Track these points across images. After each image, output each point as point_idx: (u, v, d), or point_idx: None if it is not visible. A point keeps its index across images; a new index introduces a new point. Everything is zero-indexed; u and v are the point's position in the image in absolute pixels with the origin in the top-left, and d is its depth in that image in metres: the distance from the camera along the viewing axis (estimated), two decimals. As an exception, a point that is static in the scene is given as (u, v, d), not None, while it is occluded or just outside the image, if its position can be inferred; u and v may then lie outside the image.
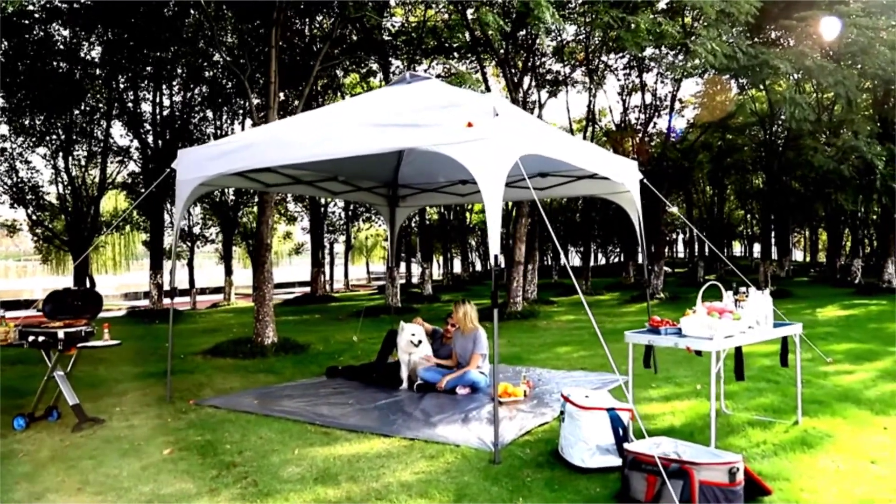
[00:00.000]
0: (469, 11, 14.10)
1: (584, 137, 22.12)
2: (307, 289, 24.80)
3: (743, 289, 4.64)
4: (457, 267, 38.94)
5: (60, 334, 4.97)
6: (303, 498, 3.66)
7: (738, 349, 4.68)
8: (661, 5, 14.27)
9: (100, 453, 4.50)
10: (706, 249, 29.98)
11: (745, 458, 3.93)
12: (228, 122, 20.54)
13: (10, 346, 5.10)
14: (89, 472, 4.12)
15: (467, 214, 33.99)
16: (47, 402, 5.43)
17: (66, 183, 17.59)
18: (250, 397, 6.24)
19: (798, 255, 50.69)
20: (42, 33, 15.66)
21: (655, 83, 22.73)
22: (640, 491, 3.41)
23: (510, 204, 21.96)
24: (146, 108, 17.98)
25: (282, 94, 16.80)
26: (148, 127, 17.73)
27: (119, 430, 5.11)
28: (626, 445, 3.67)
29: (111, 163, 18.59)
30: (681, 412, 5.31)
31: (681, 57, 15.57)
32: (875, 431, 4.70)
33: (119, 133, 38.74)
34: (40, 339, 5.00)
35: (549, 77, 20.76)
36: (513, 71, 15.26)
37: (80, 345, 5.10)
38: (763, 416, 5.17)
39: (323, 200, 22.57)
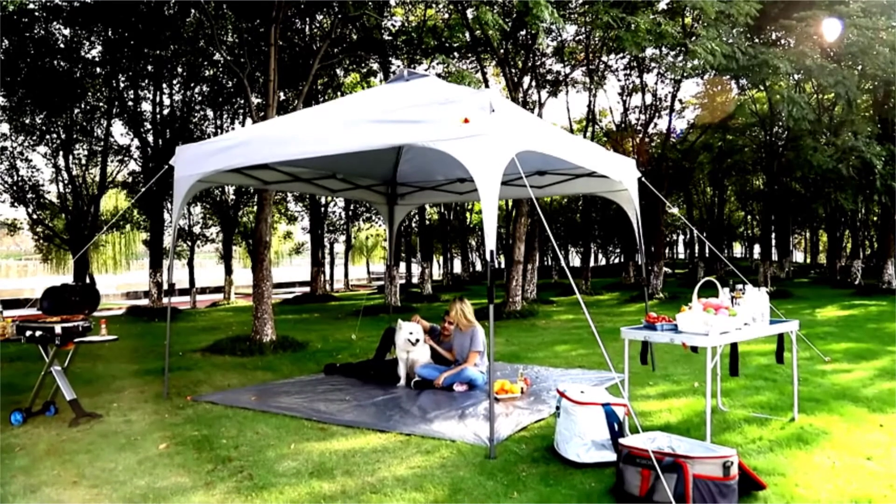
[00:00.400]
0: (469, 11, 14.11)
1: (585, 137, 22.13)
2: (307, 288, 24.81)
3: (739, 286, 4.65)
4: (457, 267, 38.96)
5: (58, 329, 4.97)
6: (298, 491, 3.66)
7: (734, 346, 4.68)
8: (661, 5, 14.27)
9: (96, 448, 4.51)
10: (706, 250, 29.99)
11: (741, 453, 3.92)
12: (228, 120, 20.60)
13: (7, 342, 5.10)
14: (85, 466, 4.13)
15: (467, 214, 34.00)
16: (45, 397, 5.44)
17: (66, 182, 17.66)
18: (248, 394, 6.24)
19: (798, 257, 50.68)
20: (42, 32, 15.70)
21: (655, 84, 22.78)
22: (634, 485, 3.42)
23: (510, 203, 22.00)
24: (146, 106, 18.07)
25: (281, 94, 16.82)
26: (148, 126, 17.77)
27: (116, 425, 5.12)
28: (620, 440, 3.67)
29: (111, 162, 18.67)
30: (678, 409, 5.31)
31: (681, 57, 15.57)
32: (871, 428, 4.70)
33: (119, 132, 38.89)
34: (37, 333, 5.00)
35: (549, 77, 20.76)
36: (513, 71, 15.26)
37: (77, 339, 5.10)
38: (760, 412, 5.17)
39: (323, 200, 22.59)
